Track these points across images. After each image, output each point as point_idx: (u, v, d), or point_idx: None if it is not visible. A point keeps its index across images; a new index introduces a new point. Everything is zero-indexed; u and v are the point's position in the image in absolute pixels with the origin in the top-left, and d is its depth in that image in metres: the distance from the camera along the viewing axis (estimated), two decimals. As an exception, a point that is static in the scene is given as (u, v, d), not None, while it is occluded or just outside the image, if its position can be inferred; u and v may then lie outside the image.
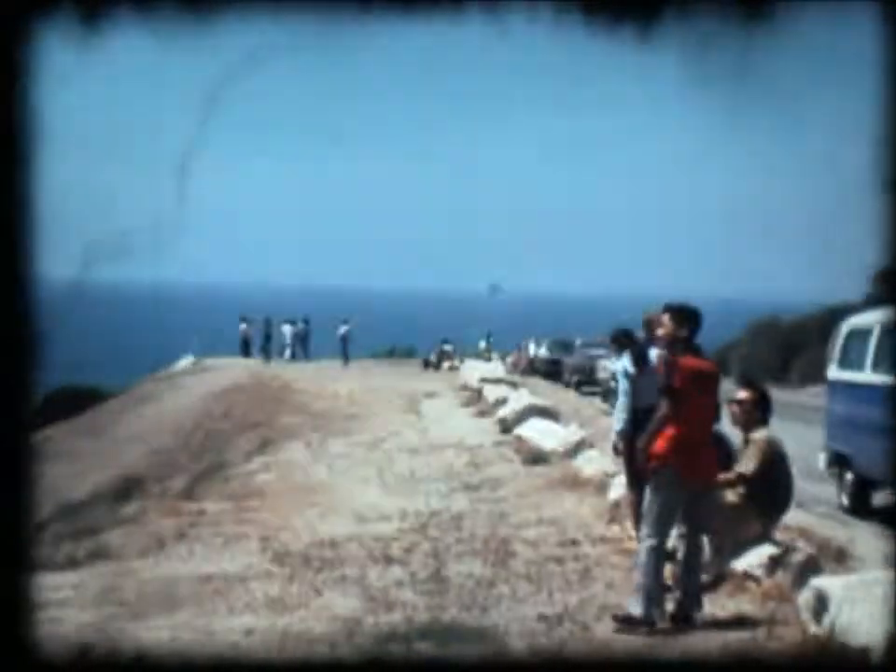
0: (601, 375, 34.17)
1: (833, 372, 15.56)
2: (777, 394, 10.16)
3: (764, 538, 9.11)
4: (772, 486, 9.15)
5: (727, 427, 9.61)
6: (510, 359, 51.43)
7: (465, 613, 8.50)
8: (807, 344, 41.35)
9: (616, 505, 11.91)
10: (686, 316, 8.21)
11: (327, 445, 20.07)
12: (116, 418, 35.69)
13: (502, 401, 23.56)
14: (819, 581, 7.50)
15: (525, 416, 20.49)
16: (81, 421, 38.22)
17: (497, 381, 29.77)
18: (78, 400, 45.74)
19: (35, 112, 4.92)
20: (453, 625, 8.08)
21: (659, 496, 7.99)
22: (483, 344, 56.34)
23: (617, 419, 11.06)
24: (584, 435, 17.08)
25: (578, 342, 45.51)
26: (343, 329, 49.62)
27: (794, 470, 9.48)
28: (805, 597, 7.46)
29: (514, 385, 28.77)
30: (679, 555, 8.18)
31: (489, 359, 46.44)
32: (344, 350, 49.31)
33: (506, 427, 20.67)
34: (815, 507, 14.08)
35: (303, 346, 51.21)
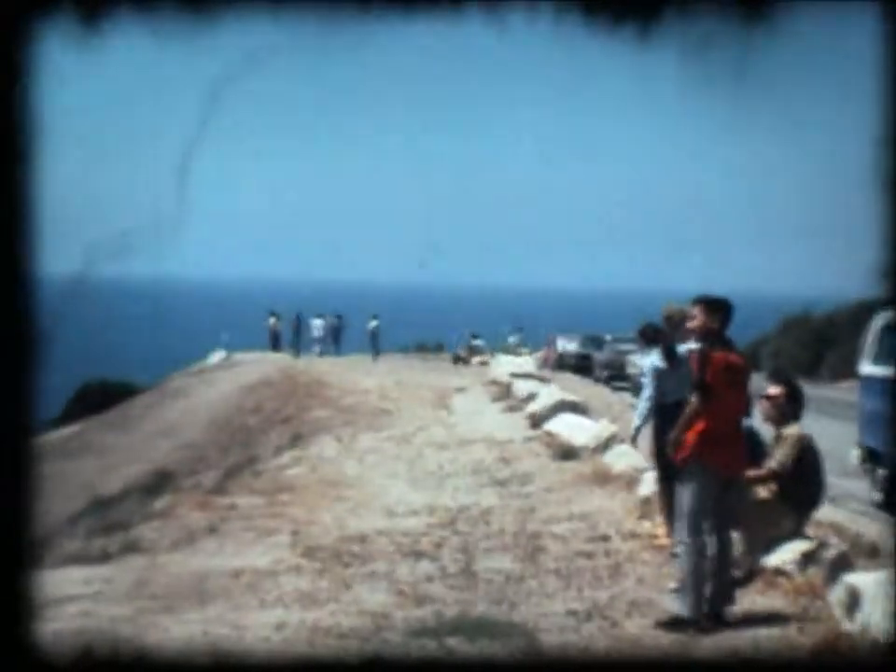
0: (631, 370, 34.09)
1: (866, 368, 15.45)
2: (808, 389, 10.07)
3: (796, 534, 9.06)
4: (803, 482, 9.10)
5: (758, 423, 9.57)
6: (539, 354, 51.34)
7: (494, 608, 8.49)
8: (839, 340, 41.15)
9: (646, 500, 11.88)
10: (718, 308, 8.17)
11: (357, 440, 20.10)
12: (147, 413, 35.90)
13: (532, 396, 23.52)
14: (851, 578, 7.45)
15: (555, 411, 20.45)
16: (113, 415, 38.46)
17: (527, 376, 29.74)
18: (110, 395, 46.09)
19: (35, 112, 4.93)
20: (482, 620, 8.07)
21: (690, 491, 7.96)
22: (512, 340, 56.27)
23: (637, 415, 11.06)
24: (615, 430, 17.03)
25: (608, 337, 45.43)
26: (373, 325, 49.70)
27: (827, 466, 9.42)
28: (837, 594, 7.42)
29: (544, 381, 28.73)
30: (709, 551, 8.14)
31: (519, 354, 46.36)
32: (374, 345, 49.39)
33: (536, 422, 20.64)
34: (847, 503, 13.99)
35: (335, 341, 51.29)
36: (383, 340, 50.49)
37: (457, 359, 49.25)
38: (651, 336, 11.13)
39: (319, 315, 51.87)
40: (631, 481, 13.43)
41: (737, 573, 8.68)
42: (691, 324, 8.51)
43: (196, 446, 26.88)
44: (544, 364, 47.61)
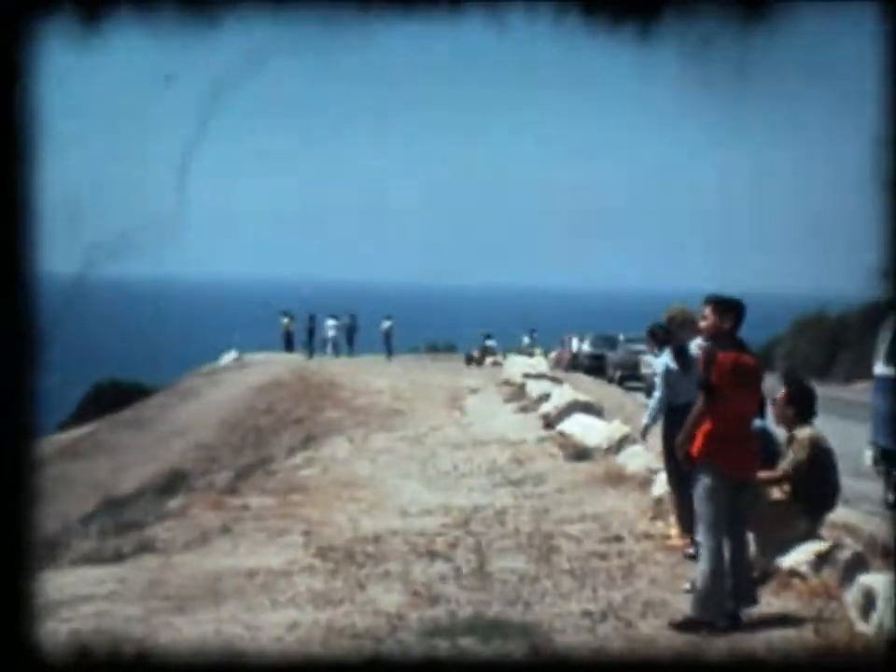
0: (645, 370, 34.03)
1: (880, 368, 15.39)
2: (822, 390, 10.06)
3: (810, 535, 9.03)
4: (817, 484, 9.07)
5: (774, 424, 9.55)
6: (552, 355, 51.31)
7: (508, 609, 8.49)
8: (852, 340, 41.05)
9: (659, 501, 11.87)
10: (728, 308, 8.13)
11: (370, 440, 20.11)
12: (160, 413, 35.96)
13: (545, 397, 23.50)
14: (866, 579, 7.43)
15: (569, 412, 20.43)
16: (125, 416, 38.54)
17: (540, 376, 29.71)
18: (123, 395, 46.21)
19: (35, 112, 4.93)
20: (496, 621, 8.07)
21: (701, 493, 7.94)
22: (526, 340, 56.26)
23: (648, 413, 11.06)
24: (628, 431, 17.01)
25: (621, 337, 45.36)
26: (386, 325, 49.72)
27: (840, 467, 9.39)
28: (852, 595, 7.40)
29: (557, 381, 28.71)
30: (725, 553, 8.12)
31: (532, 355, 46.34)
32: (388, 345, 49.42)
33: (549, 422, 20.62)
34: (861, 504, 13.95)
35: (349, 342, 51.28)
36: (395, 340, 50.51)
37: (470, 360, 49.24)
38: (660, 336, 11.13)
39: (333, 316, 51.85)
40: (644, 481, 13.41)
41: (752, 574, 8.67)
42: (701, 324, 8.49)
43: (209, 447, 26.92)
44: (557, 364, 47.60)
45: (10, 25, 4.91)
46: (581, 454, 16.65)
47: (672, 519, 10.91)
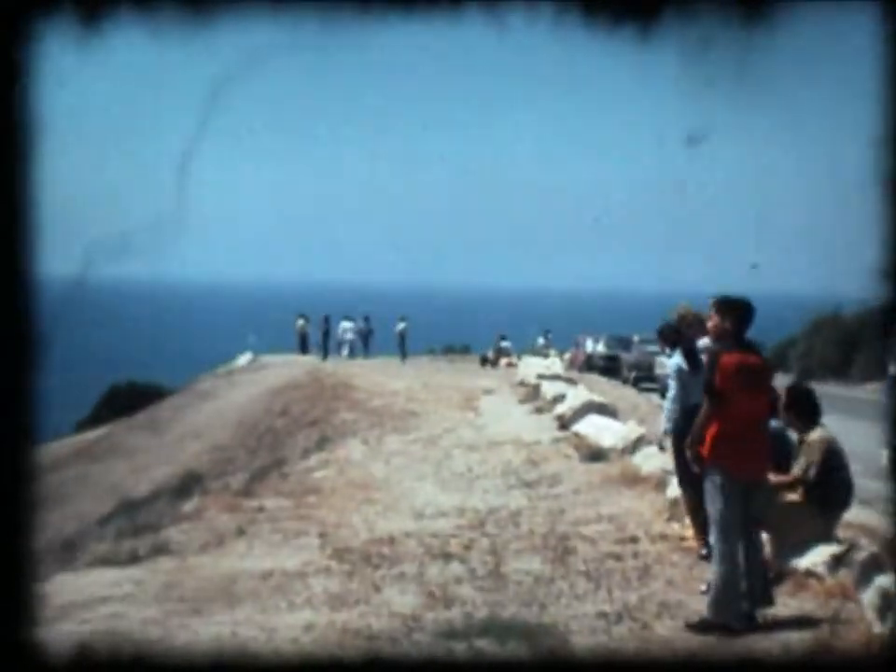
0: (659, 371, 33.97)
1: (894, 368, 15.35)
2: (839, 390, 10.04)
3: (826, 536, 9.01)
4: (830, 485, 9.05)
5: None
6: (567, 356, 51.23)
7: (524, 610, 8.49)
8: (869, 341, 40.89)
9: (675, 502, 11.84)
10: (730, 309, 8.10)
11: (384, 442, 20.10)
12: (175, 415, 36.01)
13: (560, 398, 23.46)
14: (882, 580, 7.40)
15: (583, 413, 20.40)
16: (141, 418, 38.61)
17: (555, 377, 29.67)
18: (139, 397, 46.30)
19: (35, 112, 4.93)
20: (512, 622, 8.07)
21: (714, 496, 7.93)
22: (540, 341, 56.16)
23: (665, 417, 11.03)
24: (643, 432, 16.98)
25: (635, 338, 45.26)
26: (400, 327, 49.68)
27: (858, 467, 9.37)
28: (868, 596, 7.37)
29: (572, 382, 28.67)
30: (740, 555, 8.10)
31: (547, 356, 46.27)
32: (402, 347, 49.39)
33: (564, 423, 20.59)
34: (878, 504, 13.89)
35: (364, 344, 51.21)
36: (410, 342, 50.45)
37: (485, 361, 49.18)
38: (670, 337, 11.13)
39: (348, 318, 51.78)
40: (659, 482, 13.38)
41: (768, 575, 8.65)
42: (708, 325, 8.48)
43: (224, 448, 26.94)
44: (572, 365, 47.52)
45: (10, 25, 4.92)
46: (596, 455, 16.62)
47: (688, 520, 10.89)
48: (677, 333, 11.03)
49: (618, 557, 10.27)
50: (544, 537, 11.25)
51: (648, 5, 4.84)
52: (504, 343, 51.79)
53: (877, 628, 7.06)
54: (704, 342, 10.13)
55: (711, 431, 7.89)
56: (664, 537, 11.07)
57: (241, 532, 12.07)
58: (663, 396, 11.84)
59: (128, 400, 46.99)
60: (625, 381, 40.97)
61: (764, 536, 9.07)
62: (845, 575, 8.46)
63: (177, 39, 4.92)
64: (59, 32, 4.87)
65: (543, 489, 14.33)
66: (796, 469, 9.07)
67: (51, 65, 5.08)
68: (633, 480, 14.25)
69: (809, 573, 8.68)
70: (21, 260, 4.94)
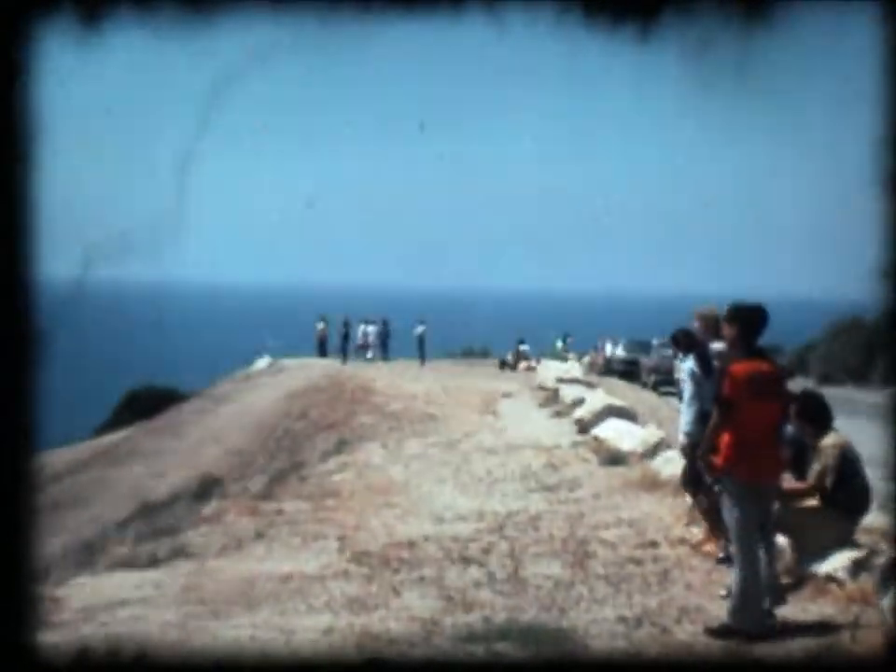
0: (679, 375, 33.87)
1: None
2: (859, 394, 9.98)
3: (845, 540, 8.97)
4: (847, 490, 9.01)
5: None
6: (586, 359, 51.17)
7: (543, 614, 8.47)
8: (889, 344, 40.65)
9: (695, 506, 11.80)
10: (740, 316, 8.04)
11: (403, 445, 20.11)
12: (194, 418, 36.08)
13: (579, 402, 23.45)
14: (903, 585, 7.37)
15: (603, 417, 20.38)
16: (161, 421, 38.69)
17: (574, 381, 29.66)
18: (158, 400, 46.40)
19: (35, 112, 4.93)
20: (531, 626, 8.05)
21: (731, 504, 7.90)
22: (559, 345, 56.10)
23: (684, 422, 11.02)
24: (662, 436, 16.95)
25: (655, 341, 45.15)
26: (419, 330, 49.67)
27: (878, 472, 9.31)
28: (889, 601, 7.33)
29: (591, 386, 28.65)
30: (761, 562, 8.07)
31: (566, 359, 46.23)
32: (421, 350, 49.37)
33: (583, 427, 20.58)
34: (898, 509, 13.83)
35: (383, 347, 51.20)
36: (428, 345, 50.44)
37: (504, 365, 49.15)
38: (684, 342, 11.14)
39: (367, 321, 51.74)
40: (679, 487, 13.34)
41: (788, 580, 8.63)
42: (723, 331, 8.46)
43: (243, 452, 26.98)
44: (591, 369, 47.46)
45: (10, 25, 4.92)
46: (615, 458, 16.60)
47: (704, 526, 10.87)
48: (690, 338, 11.05)
49: (638, 562, 10.25)
50: (564, 541, 11.23)
51: (648, 5, 4.84)
52: (523, 347, 51.74)
53: (899, 633, 7.03)
54: (719, 345, 10.12)
55: (724, 440, 7.86)
56: (683, 541, 11.04)
57: (260, 535, 12.08)
58: (682, 399, 11.79)
59: (147, 404, 47.11)
60: (645, 384, 40.91)
61: (784, 541, 9.05)
62: (865, 580, 8.43)
63: (177, 39, 4.92)
64: (59, 32, 4.88)
65: (563, 493, 14.31)
66: (811, 476, 9.03)
67: (51, 65, 5.09)
68: (652, 484, 14.22)
69: (829, 578, 8.64)
70: (21, 261, 4.94)
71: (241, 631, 8.06)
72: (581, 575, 9.79)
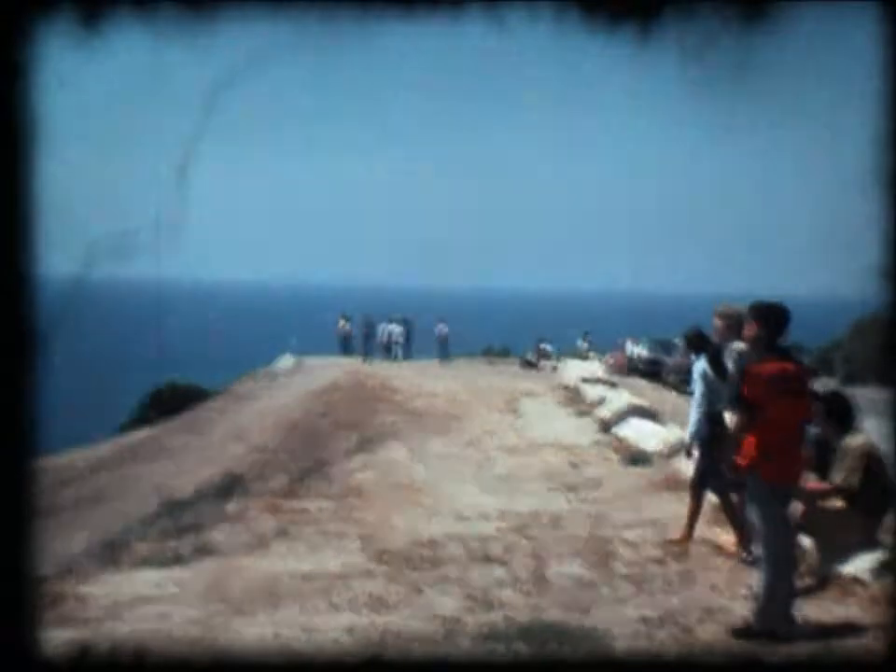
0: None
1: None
2: (882, 394, 9.92)
3: (870, 541, 8.94)
4: (872, 491, 8.98)
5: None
6: (608, 359, 51.07)
7: (565, 614, 8.47)
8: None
9: (717, 506, 11.78)
10: (763, 315, 8.02)
11: (426, 444, 20.12)
12: (218, 416, 36.14)
13: (601, 401, 23.44)
14: (928, 586, 7.35)
15: (625, 416, 20.37)
16: (185, 419, 38.77)
17: (596, 380, 29.62)
18: (182, 398, 46.52)
19: (35, 112, 4.95)
20: (553, 626, 8.05)
21: (755, 505, 7.88)
22: (581, 344, 56.03)
23: (691, 422, 11.05)
24: (684, 435, 16.92)
25: (677, 341, 45.03)
26: (441, 329, 49.65)
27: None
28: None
29: (613, 385, 28.60)
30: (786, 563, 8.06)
31: (588, 359, 46.17)
32: (443, 349, 49.35)
33: (605, 426, 20.56)
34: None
35: (405, 346, 51.18)
36: (450, 344, 50.41)
37: (526, 364, 49.10)
38: (696, 343, 11.15)
39: (393, 320, 51.69)
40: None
41: (812, 581, 8.61)
42: (744, 332, 8.43)
43: (266, 450, 26.97)
44: (612, 368, 47.38)
45: (10, 25, 4.94)
46: (637, 458, 16.58)
47: (720, 527, 10.87)
48: (702, 338, 11.08)
49: (660, 561, 10.24)
50: (586, 540, 11.23)
51: (648, 5, 4.83)
52: (545, 346, 51.67)
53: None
54: (738, 345, 10.11)
55: (749, 440, 7.84)
56: (706, 541, 11.02)
57: (283, 533, 12.11)
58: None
59: (170, 402, 47.22)
60: (667, 384, 40.79)
61: (808, 542, 9.03)
62: (890, 581, 8.40)
63: (177, 39, 4.93)
64: (59, 32, 4.89)
65: (585, 492, 14.30)
66: (836, 477, 9.00)
67: (51, 65, 5.10)
68: (675, 484, 14.20)
69: (854, 579, 8.62)
70: (21, 261, 4.96)
71: (264, 629, 8.10)
72: (603, 575, 9.79)
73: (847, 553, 8.84)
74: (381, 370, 39.94)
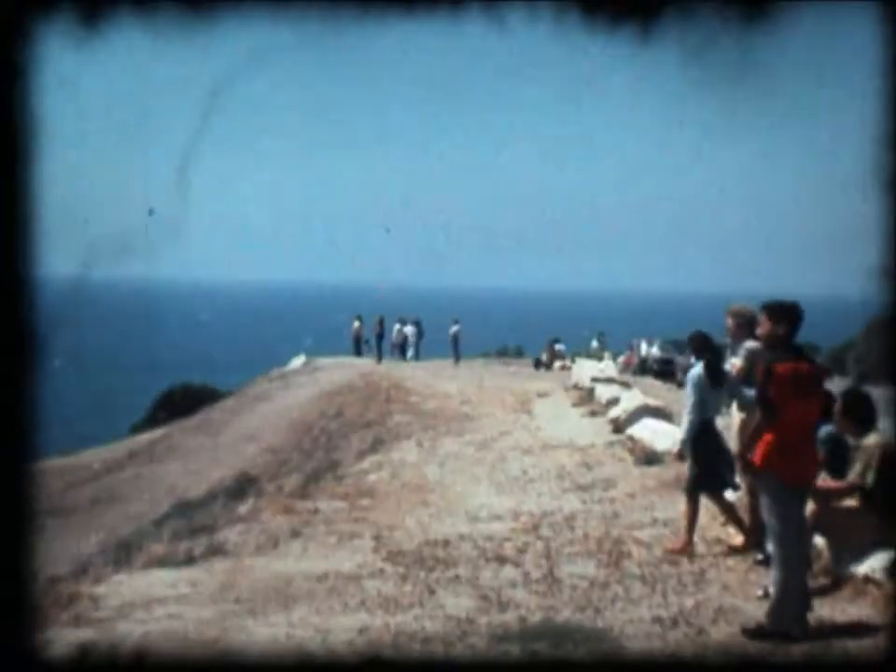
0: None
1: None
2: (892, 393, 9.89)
3: (885, 541, 8.90)
4: (888, 490, 8.94)
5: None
6: (621, 359, 51.04)
7: (579, 614, 8.46)
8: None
9: (730, 507, 11.76)
10: (782, 315, 7.99)
11: (438, 445, 20.12)
12: (231, 417, 36.20)
13: (614, 401, 23.39)
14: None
15: (638, 416, 20.32)
16: (198, 419, 38.85)
17: (609, 380, 29.58)
18: (195, 399, 46.65)
19: (35, 112, 4.95)
20: (566, 626, 8.05)
21: (770, 505, 7.86)
22: (594, 344, 56.00)
23: (682, 429, 11.09)
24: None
25: (690, 341, 44.86)
26: (454, 329, 49.65)
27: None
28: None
29: (626, 385, 28.56)
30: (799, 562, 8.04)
31: (601, 359, 46.12)
32: (455, 349, 49.35)
33: (618, 426, 20.53)
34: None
35: (415, 346, 51.21)
36: (463, 344, 50.41)
37: (539, 364, 49.09)
38: (697, 347, 11.15)
39: (402, 320, 51.72)
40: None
41: (826, 581, 8.58)
42: (758, 331, 8.39)
43: (278, 451, 27.01)
44: (626, 368, 47.34)
45: (10, 25, 4.94)
46: (650, 458, 16.55)
47: (731, 529, 10.85)
48: (704, 343, 11.08)
49: (673, 562, 10.23)
50: (599, 540, 11.22)
51: (648, 5, 4.82)
52: (558, 346, 51.65)
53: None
54: (751, 344, 10.10)
55: (764, 440, 7.82)
56: (719, 541, 11.00)
57: (296, 534, 12.11)
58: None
59: (182, 403, 47.36)
60: (680, 384, 40.72)
61: (821, 541, 9.00)
62: (904, 581, 8.37)
63: (177, 39, 4.93)
64: (59, 32, 4.89)
65: (598, 493, 14.29)
66: (853, 475, 8.97)
67: (51, 65, 5.11)
68: (688, 484, 14.15)
69: (868, 579, 8.59)
70: (21, 261, 4.96)
71: (277, 629, 8.10)
72: (616, 575, 9.78)
73: (860, 552, 8.81)
74: (395, 370, 39.95)
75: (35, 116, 4.95)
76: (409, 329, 50.73)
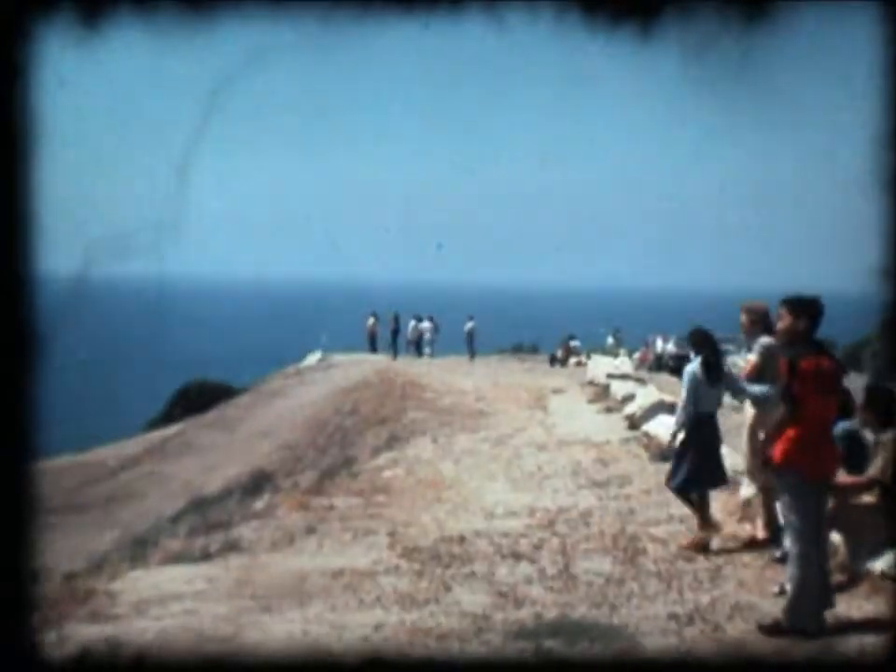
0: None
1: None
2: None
3: (902, 538, 8.88)
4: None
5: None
6: (637, 355, 50.96)
7: (594, 611, 8.45)
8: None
9: (747, 503, 11.74)
10: (804, 310, 7.95)
11: (454, 441, 20.12)
12: (246, 413, 36.26)
13: (630, 398, 23.36)
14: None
15: (653, 413, 20.29)
16: (213, 416, 38.92)
17: (625, 377, 29.56)
18: (210, 395, 46.73)
19: (35, 112, 4.95)
20: (582, 623, 8.04)
21: (789, 500, 7.83)
22: (610, 340, 55.93)
23: (676, 422, 11.12)
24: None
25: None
26: (469, 325, 49.62)
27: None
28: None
29: (642, 382, 28.53)
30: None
31: (616, 355, 46.05)
32: (471, 346, 49.33)
33: (633, 423, 20.50)
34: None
35: (431, 343, 51.16)
36: (478, 341, 50.38)
37: (554, 360, 49.04)
38: (696, 343, 11.17)
39: (418, 317, 51.67)
40: (730, 482, 13.26)
41: (842, 578, 8.55)
42: (778, 326, 8.35)
43: (294, 447, 27.06)
44: (641, 365, 47.27)
45: (10, 25, 4.94)
46: (665, 454, 16.49)
47: (760, 521, 10.80)
48: (703, 340, 11.10)
49: (689, 558, 10.21)
50: (614, 537, 11.21)
51: (648, 5, 4.82)
52: (573, 343, 51.60)
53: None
54: (765, 339, 10.09)
55: (786, 435, 7.79)
56: (735, 537, 10.98)
57: (311, 530, 12.13)
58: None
59: (198, 399, 47.45)
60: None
61: (837, 538, 8.97)
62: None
63: (177, 39, 4.93)
64: (59, 32, 4.89)
65: (613, 489, 14.27)
66: (872, 470, 8.94)
67: (51, 65, 5.11)
68: (704, 480, 14.13)
69: (884, 575, 8.56)
70: (21, 261, 4.97)
71: (293, 626, 8.11)
72: (631, 571, 9.77)
73: (877, 549, 8.78)
74: (409, 366, 39.96)
75: (35, 116, 4.96)
76: (425, 325, 50.69)
